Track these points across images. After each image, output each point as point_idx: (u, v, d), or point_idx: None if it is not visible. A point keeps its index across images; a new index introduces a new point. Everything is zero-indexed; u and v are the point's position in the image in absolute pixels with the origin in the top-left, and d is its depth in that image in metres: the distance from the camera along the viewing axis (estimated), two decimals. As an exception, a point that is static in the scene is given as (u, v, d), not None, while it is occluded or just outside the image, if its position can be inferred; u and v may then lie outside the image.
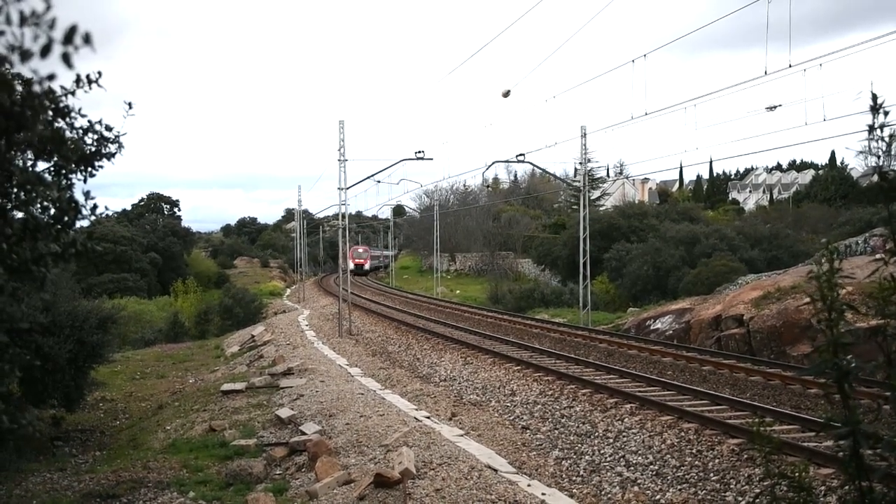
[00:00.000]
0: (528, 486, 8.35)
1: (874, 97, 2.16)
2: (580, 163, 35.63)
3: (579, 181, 36.75)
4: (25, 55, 1.79)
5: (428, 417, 12.14)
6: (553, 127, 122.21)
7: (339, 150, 28.66)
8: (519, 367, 16.97)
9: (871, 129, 2.17)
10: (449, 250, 74.14)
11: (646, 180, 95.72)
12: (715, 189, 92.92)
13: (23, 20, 1.76)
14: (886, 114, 2.15)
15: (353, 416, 12.21)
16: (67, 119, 2.84)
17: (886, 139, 2.17)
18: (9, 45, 1.80)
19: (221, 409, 15.05)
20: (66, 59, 1.80)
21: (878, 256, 2.24)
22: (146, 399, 19.38)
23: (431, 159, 31.91)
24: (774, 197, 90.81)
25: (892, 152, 2.23)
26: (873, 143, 2.18)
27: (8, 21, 1.77)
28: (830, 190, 60.78)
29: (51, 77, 1.95)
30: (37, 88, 2.16)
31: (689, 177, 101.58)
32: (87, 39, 1.79)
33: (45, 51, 1.78)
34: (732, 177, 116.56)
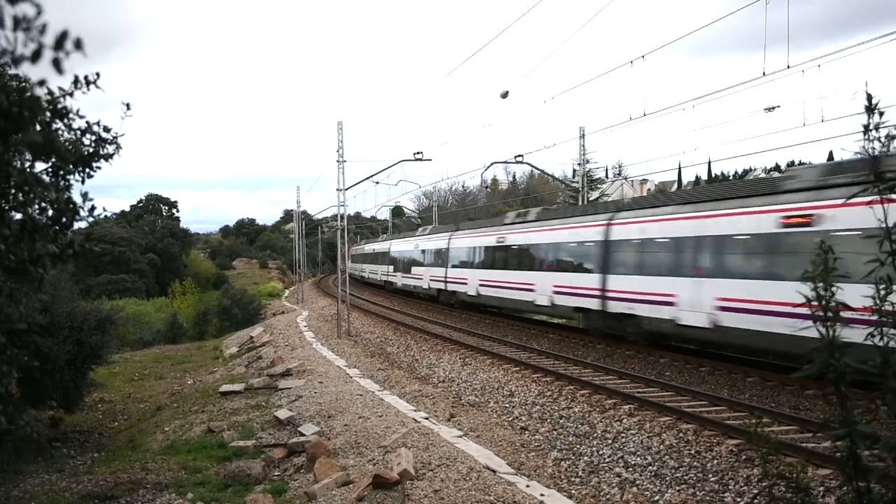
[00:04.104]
0: (527, 486, 8.34)
1: (869, 98, 2.16)
2: (579, 163, 35.66)
3: (578, 182, 36.74)
4: (17, 60, 1.79)
5: (426, 418, 12.13)
6: (552, 128, 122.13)
7: (338, 151, 28.67)
8: (517, 368, 16.97)
9: (867, 129, 2.18)
10: (448, 251, 73.96)
11: (644, 181, 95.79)
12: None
13: (16, 24, 1.76)
14: (882, 114, 2.16)
15: (352, 417, 12.20)
16: (65, 120, 2.84)
17: (882, 139, 2.18)
18: (1, 49, 1.80)
19: (220, 411, 15.04)
20: (56, 64, 1.79)
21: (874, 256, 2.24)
22: (145, 400, 19.37)
23: (430, 160, 31.93)
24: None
25: (889, 152, 2.23)
26: (868, 144, 2.19)
27: (1, 24, 1.77)
28: (829, 191, 60.74)
29: (41, 83, 1.95)
30: (38, 92, 2.16)
31: (687, 177, 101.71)
32: (79, 45, 1.79)
33: (36, 56, 1.78)
34: (731, 177, 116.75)
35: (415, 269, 38.72)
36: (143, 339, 34.25)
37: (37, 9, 1.75)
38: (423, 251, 37.14)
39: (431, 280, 35.34)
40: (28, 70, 1.84)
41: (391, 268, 44.12)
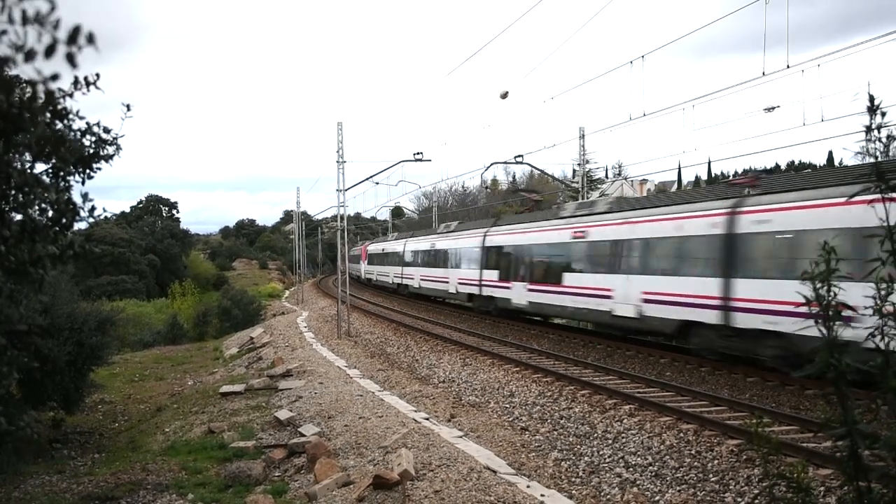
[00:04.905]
0: (528, 487, 8.34)
1: (871, 98, 2.16)
2: (579, 164, 35.69)
3: (578, 182, 36.80)
4: (30, 55, 1.79)
5: (427, 419, 12.13)
6: (552, 128, 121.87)
7: (338, 151, 28.68)
8: (518, 369, 16.96)
9: (869, 129, 2.18)
10: (448, 252, 73.52)
11: (644, 181, 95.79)
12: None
13: (25, 19, 1.76)
14: (884, 115, 2.16)
15: (352, 417, 12.20)
16: (66, 121, 2.84)
17: (884, 140, 2.18)
18: (13, 45, 1.80)
19: (220, 411, 15.04)
20: (70, 58, 1.80)
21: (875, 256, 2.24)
22: (145, 401, 19.36)
23: (430, 161, 31.75)
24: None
25: (891, 153, 2.24)
26: (870, 144, 2.19)
27: (10, 20, 1.77)
28: (829, 190, 60.64)
29: (54, 77, 1.95)
30: (33, 90, 2.16)
31: (687, 177, 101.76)
32: (91, 39, 1.79)
33: (50, 51, 1.78)
34: (731, 177, 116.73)
35: (582, 279, 21.07)
36: (144, 340, 34.25)
37: (50, 4, 1.75)
38: (646, 241, 18.27)
39: (646, 301, 17.86)
40: (40, 65, 1.84)
41: (493, 273, 27.46)
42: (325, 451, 10.18)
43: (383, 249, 50.71)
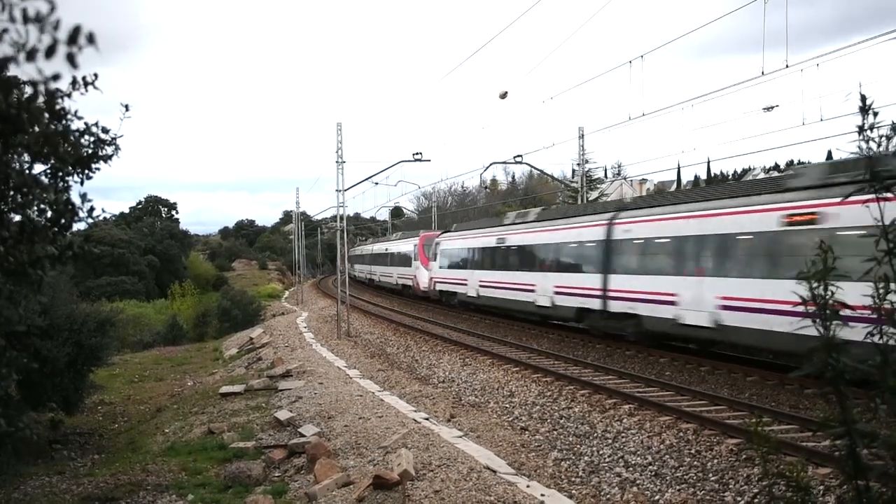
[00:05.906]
0: (528, 486, 8.34)
1: (863, 98, 2.17)
2: (578, 164, 35.70)
3: (577, 182, 36.82)
4: (31, 54, 1.79)
5: (427, 419, 12.13)
6: (551, 128, 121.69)
7: (337, 152, 28.70)
8: (517, 368, 16.97)
9: (861, 129, 2.18)
10: (447, 252, 73.32)
11: (643, 181, 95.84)
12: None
13: (26, 19, 1.76)
14: (876, 114, 2.16)
15: (352, 417, 12.21)
16: (64, 121, 2.84)
17: (877, 140, 2.18)
18: (14, 44, 1.80)
19: (220, 412, 15.04)
20: (70, 59, 1.80)
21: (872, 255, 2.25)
22: (145, 402, 19.37)
23: (429, 161, 31.74)
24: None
25: (887, 152, 2.24)
26: (863, 144, 2.19)
27: (12, 19, 1.77)
28: (828, 190, 60.55)
29: (56, 77, 1.95)
30: (33, 90, 2.16)
31: (686, 177, 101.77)
32: (91, 39, 1.79)
33: (51, 51, 1.78)
34: (730, 177, 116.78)
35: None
36: (143, 340, 34.26)
37: (50, 4, 1.75)
38: None
39: None
40: (40, 65, 1.84)
41: None
42: (325, 452, 10.18)
43: (501, 241, 27.87)
